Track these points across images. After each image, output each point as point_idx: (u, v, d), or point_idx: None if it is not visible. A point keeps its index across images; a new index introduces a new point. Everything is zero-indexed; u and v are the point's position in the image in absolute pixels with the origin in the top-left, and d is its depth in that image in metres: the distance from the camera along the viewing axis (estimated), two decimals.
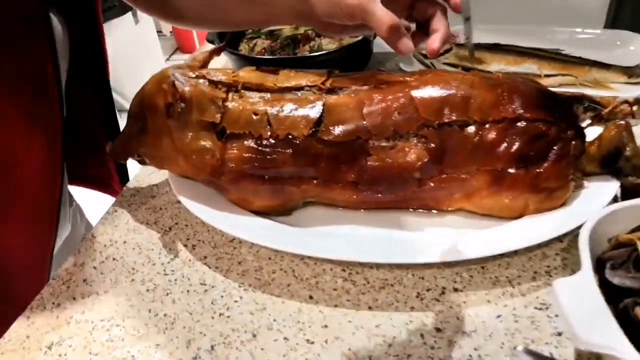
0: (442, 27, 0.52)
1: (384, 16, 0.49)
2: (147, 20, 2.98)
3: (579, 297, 0.35)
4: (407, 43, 0.49)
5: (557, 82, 0.72)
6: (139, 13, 2.85)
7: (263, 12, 0.60)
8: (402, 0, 0.56)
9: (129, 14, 2.77)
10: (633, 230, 0.42)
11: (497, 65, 0.77)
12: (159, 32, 3.41)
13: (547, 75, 0.74)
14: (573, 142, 0.49)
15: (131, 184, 0.69)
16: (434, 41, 0.51)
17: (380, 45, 0.87)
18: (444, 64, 0.80)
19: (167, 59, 3.55)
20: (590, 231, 0.40)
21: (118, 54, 2.64)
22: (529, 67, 0.76)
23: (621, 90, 0.68)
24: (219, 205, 0.57)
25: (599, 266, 0.41)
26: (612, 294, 0.39)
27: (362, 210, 0.57)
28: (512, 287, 0.48)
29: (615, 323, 0.33)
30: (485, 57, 0.78)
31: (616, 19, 0.92)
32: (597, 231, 0.41)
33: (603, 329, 0.33)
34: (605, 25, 0.90)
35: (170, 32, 3.79)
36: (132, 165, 0.70)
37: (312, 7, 0.55)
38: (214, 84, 0.56)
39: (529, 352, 0.27)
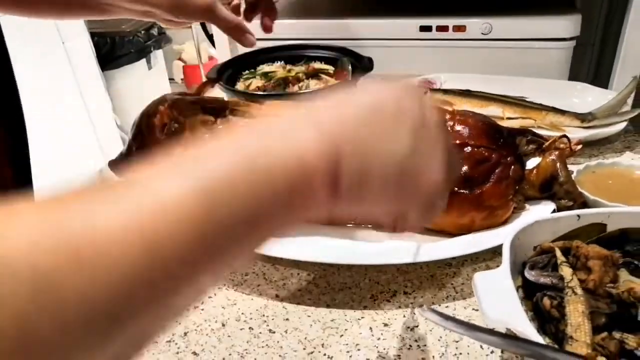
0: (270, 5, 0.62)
1: (228, 16, 0.58)
2: (159, 68, 3.13)
3: (493, 286, 0.41)
4: (250, 38, 0.60)
5: (518, 124, 0.80)
6: (152, 60, 3.02)
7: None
8: None
9: (143, 60, 2.93)
10: (555, 240, 0.48)
11: (465, 108, 0.85)
12: (171, 79, 3.57)
13: (509, 118, 0.81)
14: (513, 167, 0.56)
15: None
16: (266, 19, 0.61)
17: None
18: None
19: None
20: (513, 238, 0.46)
21: (130, 98, 2.78)
22: (493, 110, 0.83)
23: (572, 133, 0.75)
24: None
25: (524, 269, 0.47)
26: (531, 291, 0.45)
27: (330, 226, 0.63)
28: (456, 292, 0.53)
29: (520, 306, 0.38)
30: (455, 101, 0.87)
31: (577, 73, 1.01)
32: (523, 240, 0.48)
33: (509, 310, 0.38)
34: (569, 77, 0.99)
35: (182, 79, 3.97)
36: None
37: (159, 3, 0.60)
38: (206, 109, 0.64)
39: (429, 309, 0.33)
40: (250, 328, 0.51)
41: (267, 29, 0.65)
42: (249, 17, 0.65)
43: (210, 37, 1.30)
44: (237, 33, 0.62)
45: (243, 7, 0.67)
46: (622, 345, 0.38)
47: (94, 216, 0.20)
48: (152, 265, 0.20)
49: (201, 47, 3.27)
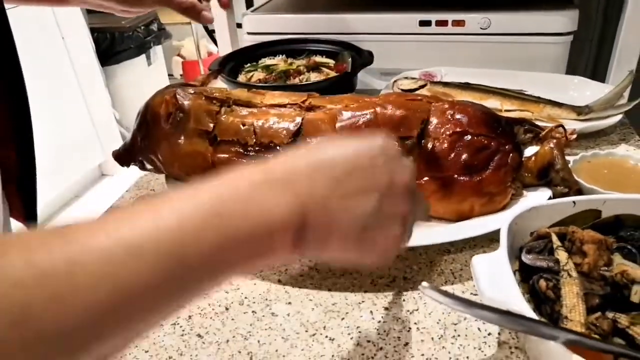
0: None
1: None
2: (159, 63, 3.14)
3: (491, 268, 0.42)
4: (206, 15, 0.65)
5: (516, 116, 0.81)
6: (152, 55, 3.03)
7: None
8: None
9: (143, 56, 2.93)
10: (552, 226, 0.50)
11: (465, 99, 0.86)
12: (170, 75, 3.58)
13: (507, 110, 0.83)
14: (511, 154, 0.57)
15: (131, 190, 0.77)
16: None
17: (363, 82, 0.97)
18: None
19: None
20: (511, 223, 0.47)
21: (129, 94, 2.79)
22: (492, 102, 0.85)
23: (569, 125, 0.76)
24: None
25: (521, 253, 0.48)
26: (528, 275, 0.46)
27: None
28: (454, 277, 0.55)
29: (517, 286, 0.40)
30: (455, 93, 0.88)
31: (576, 68, 1.02)
32: (520, 225, 0.49)
33: (506, 291, 0.39)
34: (567, 71, 1.00)
35: (181, 75, 3.98)
36: (133, 173, 0.78)
37: None
38: (209, 99, 0.65)
39: (434, 288, 0.34)
40: (253, 311, 0.52)
41: (224, 5, 0.69)
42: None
43: (210, 33, 1.31)
44: (192, 13, 0.65)
45: None
46: (614, 325, 0.39)
47: (74, 257, 0.23)
48: (119, 301, 0.23)
49: (200, 43, 3.28)
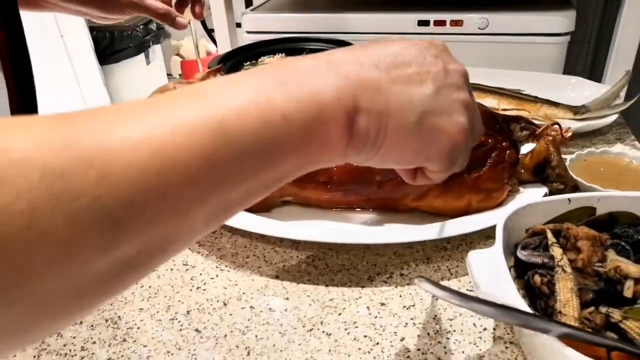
0: None
1: (156, 5, 0.64)
2: (157, 62, 3.14)
3: (487, 263, 0.42)
4: (180, 21, 0.66)
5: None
6: (151, 55, 3.03)
7: None
8: None
9: (141, 55, 2.93)
10: (547, 223, 0.50)
11: None
12: (169, 74, 3.58)
13: (504, 109, 0.83)
14: (508, 151, 0.58)
15: None
16: (197, 7, 0.68)
17: None
18: None
19: None
20: (506, 220, 0.48)
21: (128, 93, 2.79)
22: (489, 101, 0.85)
23: (565, 124, 0.77)
24: None
25: (516, 250, 0.48)
26: (523, 271, 0.46)
27: (332, 210, 0.65)
28: (451, 274, 0.55)
29: (512, 281, 0.40)
30: None
31: (574, 66, 1.03)
32: (516, 222, 0.49)
33: (501, 285, 0.40)
34: (564, 71, 1.01)
35: (180, 74, 3.98)
36: None
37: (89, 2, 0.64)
38: None
39: (425, 279, 0.35)
40: (251, 307, 0.52)
41: (198, 16, 0.71)
42: (179, 9, 0.71)
43: (209, 33, 1.31)
44: (166, 19, 0.67)
45: (174, 0, 0.73)
46: (607, 319, 0.40)
47: (105, 128, 0.21)
48: (158, 178, 0.21)
49: (199, 43, 3.28)
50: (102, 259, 0.20)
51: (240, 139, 0.24)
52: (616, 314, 0.40)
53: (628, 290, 0.41)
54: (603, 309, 0.40)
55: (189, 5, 0.70)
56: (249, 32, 1.14)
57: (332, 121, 0.27)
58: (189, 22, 0.75)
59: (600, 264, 0.44)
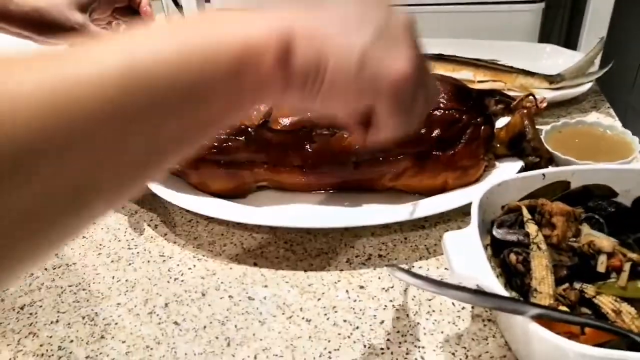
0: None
1: (101, 32, 0.66)
2: None
3: (462, 245, 0.42)
4: None
5: (489, 86, 0.81)
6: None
7: None
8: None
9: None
10: (522, 199, 0.50)
11: (437, 72, 0.86)
12: None
13: (480, 81, 0.83)
14: (483, 127, 0.57)
15: None
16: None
17: None
18: None
19: None
20: (482, 198, 0.47)
21: None
22: (465, 74, 0.84)
23: (542, 94, 0.77)
24: (181, 189, 0.64)
25: (492, 227, 0.48)
26: (499, 249, 0.46)
27: (308, 193, 0.64)
28: (429, 253, 0.55)
29: (487, 263, 0.40)
30: None
31: (549, 34, 1.02)
32: (491, 200, 0.49)
33: (477, 267, 0.40)
34: (541, 39, 1.00)
35: None
36: None
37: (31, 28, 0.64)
38: None
39: (398, 268, 0.34)
40: (230, 296, 0.52)
41: (146, 14, 0.72)
42: None
43: (180, 8, 1.29)
44: None
45: (122, 27, 0.73)
46: (581, 295, 0.40)
47: (8, 74, 0.21)
48: (58, 121, 0.21)
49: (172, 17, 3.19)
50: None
51: (156, 80, 0.23)
52: (589, 290, 0.40)
53: (601, 265, 0.41)
54: (577, 285, 0.41)
55: None
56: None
57: (262, 60, 0.26)
58: None
59: (574, 239, 0.45)
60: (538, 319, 0.35)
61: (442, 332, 0.46)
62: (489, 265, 0.40)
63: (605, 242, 0.42)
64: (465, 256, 0.41)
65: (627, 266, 0.40)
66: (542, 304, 0.38)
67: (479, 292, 0.35)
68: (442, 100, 0.58)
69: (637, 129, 0.64)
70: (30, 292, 0.55)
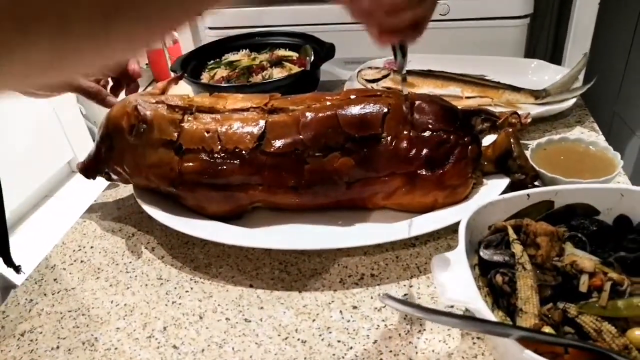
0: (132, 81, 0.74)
1: (89, 85, 0.69)
2: None
3: (451, 267, 0.44)
4: (109, 100, 0.70)
5: (476, 102, 0.83)
6: None
7: None
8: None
9: None
10: (508, 219, 0.52)
11: (426, 88, 0.88)
12: None
13: (467, 97, 0.84)
14: (470, 147, 0.59)
15: (99, 199, 0.77)
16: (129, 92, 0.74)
17: (328, 72, 0.98)
18: (382, 87, 0.91)
19: (144, 90, 3.63)
20: (469, 219, 0.49)
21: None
22: (453, 90, 0.86)
23: (527, 109, 0.79)
24: (177, 212, 0.65)
25: (480, 248, 0.50)
26: (486, 268, 0.48)
27: (303, 212, 0.65)
28: (420, 272, 0.57)
29: (474, 285, 0.42)
30: (417, 82, 0.89)
31: (535, 50, 1.05)
32: (478, 221, 0.51)
33: (465, 290, 0.41)
34: (528, 54, 1.03)
35: (146, 64, 3.89)
36: (99, 183, 0.78)
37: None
38: (171, 107, 0.65)
39: (389, 297, 0.36)
40: (227, 319, 0.53)
41: (136, 74, 0.76)
42: (115, 93, 0.74)
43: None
44: (98, 97, 0.71)
45: (110, 84, 0.76)
46: (564, 314, 0.42)
47: None
48: None
49: None
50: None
51: None
52: (572, 310, 0.42)
53: (583, 285, 0.43)
54: (561, 305, 0.42)
55: (124, 89, 0.75)
56: (211, 28, 1.13)
57: None
58: None
59: (558, 258, 0.46)
60: (522, 340, 0.36)
61: (433, 351, 0.47)
62: (476, 290, 0.41)
63: (587, 262, 0.44)
64: (453, 280, 0.42)
65: (607, 285, 0.42)
66: (527, 327, 0.40)
67: (467, 318, 0.36)
68: (430, 121, 0.59)
69: (623, 137, 0.66)
70: (30, 318, 0.56)
